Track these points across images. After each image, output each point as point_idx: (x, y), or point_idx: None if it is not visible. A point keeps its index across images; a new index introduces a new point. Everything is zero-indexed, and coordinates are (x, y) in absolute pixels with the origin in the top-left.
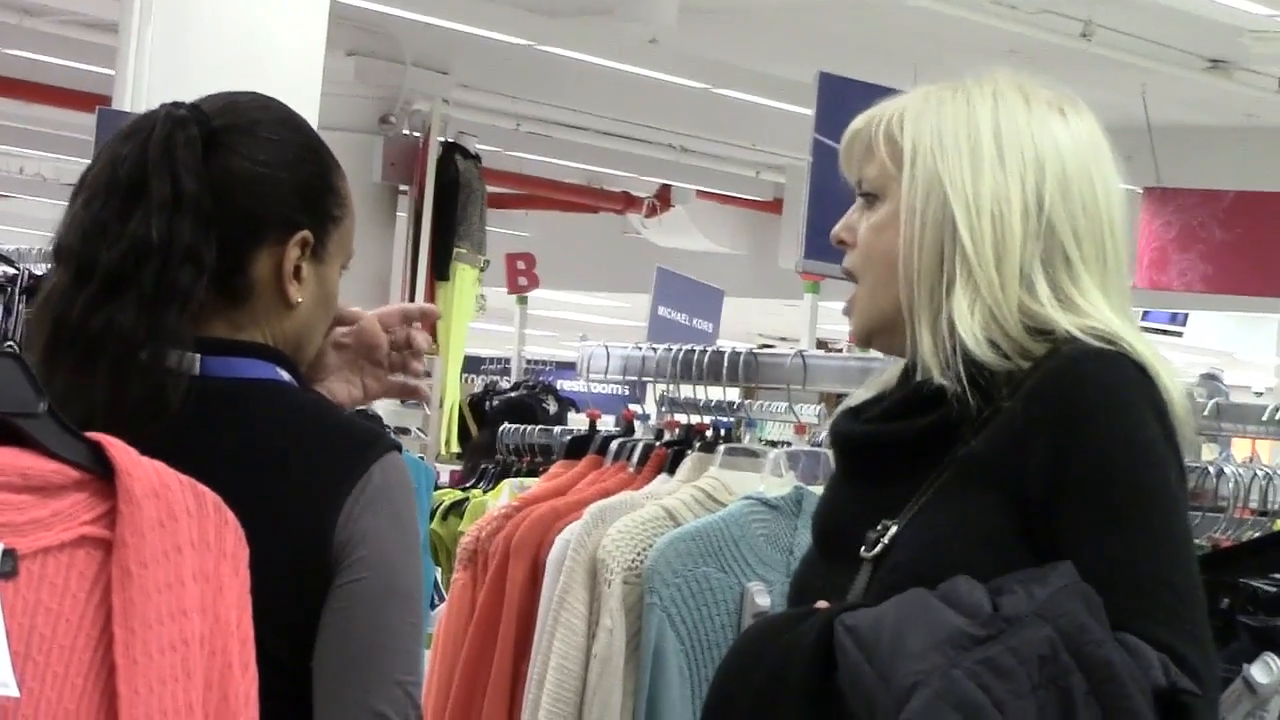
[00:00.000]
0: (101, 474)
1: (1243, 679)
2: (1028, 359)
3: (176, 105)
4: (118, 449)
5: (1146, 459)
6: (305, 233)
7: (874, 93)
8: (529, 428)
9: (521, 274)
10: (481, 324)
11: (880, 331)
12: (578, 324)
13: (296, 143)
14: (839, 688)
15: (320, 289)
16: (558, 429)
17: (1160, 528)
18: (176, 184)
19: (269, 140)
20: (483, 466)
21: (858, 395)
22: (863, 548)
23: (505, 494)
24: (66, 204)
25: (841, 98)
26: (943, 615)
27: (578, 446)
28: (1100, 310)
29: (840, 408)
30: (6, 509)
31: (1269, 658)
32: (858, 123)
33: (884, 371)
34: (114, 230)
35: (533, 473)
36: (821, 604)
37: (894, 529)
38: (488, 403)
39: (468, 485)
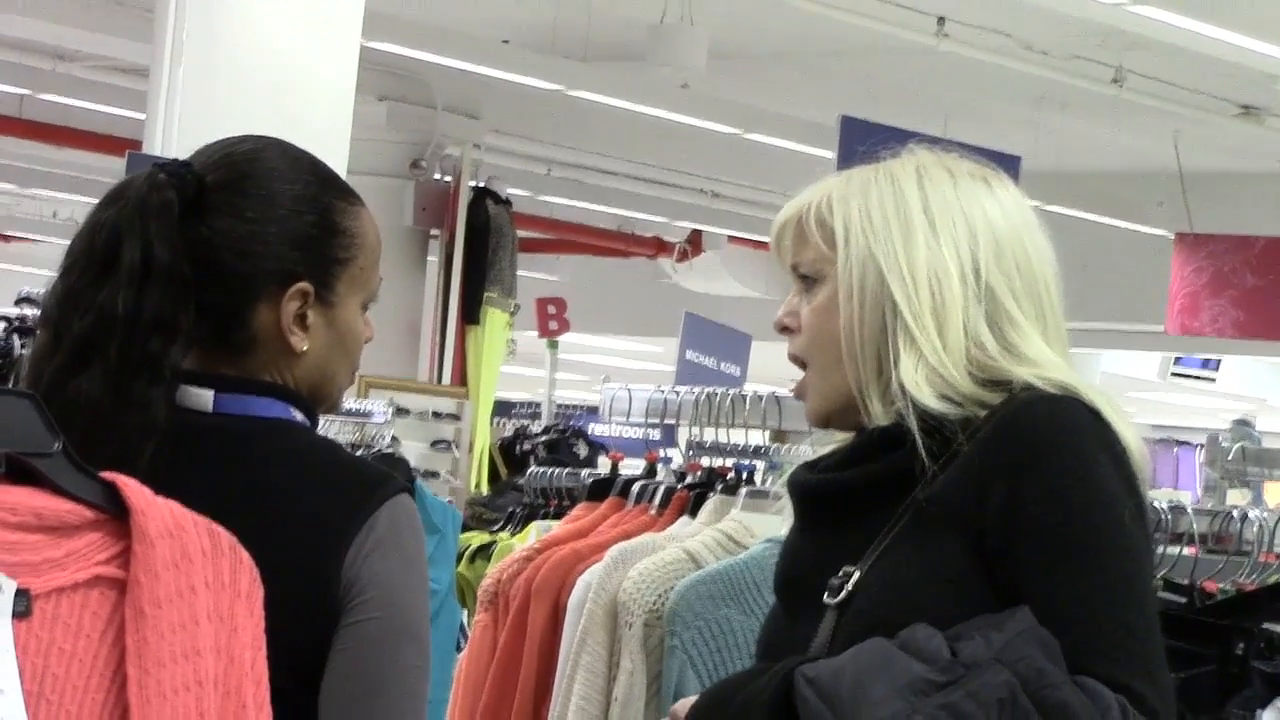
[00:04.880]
0: (116, 514)
1: None
2: (984, 407)
3: (161, 167)
4: (132, 489)
5: (1099, 498)
6: (302, 284)
7: (895, 136)
8: (556, 470)
9: (552, 318)
10: (512, 368)
11: (836, 412)
12: (609, 369)
13: (289, 193)
14: None
15: (332, 332)
16: (585, 472)
17: (1114, 566)
18: (148, 252)
19: (258, 195)
20: (510, 509)
21: (815, 450)
22: (825, 594)
23: (532, 537)
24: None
25: (864, 141)
26: (903, 662)
27: (600, 489)
28: (1050, 359)
29: (795, 461)
30: (21, 548)
31: None
32: (786, 212)
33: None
34: (85, 300)
35: (560, 516)
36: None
37: (856, 575)
38: (518, 446)
39: (496, 528)
